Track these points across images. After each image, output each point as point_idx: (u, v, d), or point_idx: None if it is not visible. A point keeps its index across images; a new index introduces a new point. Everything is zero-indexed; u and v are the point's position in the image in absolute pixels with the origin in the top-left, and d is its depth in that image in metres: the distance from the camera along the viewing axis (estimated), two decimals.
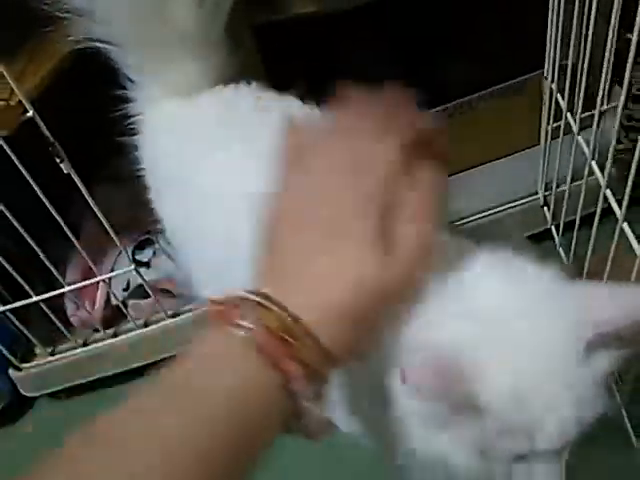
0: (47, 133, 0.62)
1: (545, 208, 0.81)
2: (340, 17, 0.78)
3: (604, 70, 0.62)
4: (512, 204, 0.82)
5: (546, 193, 0.81)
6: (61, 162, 0.64)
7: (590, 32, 0.62)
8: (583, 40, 0.63)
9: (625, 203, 0.59)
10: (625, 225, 0.60)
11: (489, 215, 0.83)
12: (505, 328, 0.37)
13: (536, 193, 0.82)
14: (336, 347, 0.34)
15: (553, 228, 0.80)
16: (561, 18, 0.65)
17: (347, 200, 0.36)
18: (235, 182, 0.52)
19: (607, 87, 0.66)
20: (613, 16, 0.56)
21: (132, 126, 0.61)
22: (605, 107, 0.67)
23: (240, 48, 0.59)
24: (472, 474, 0.39)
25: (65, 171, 0.66)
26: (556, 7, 0.66)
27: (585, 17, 0.62)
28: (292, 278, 0.36)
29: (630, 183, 0.57)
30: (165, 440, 0.30)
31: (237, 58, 0.58)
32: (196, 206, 0.56)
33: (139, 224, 0.91)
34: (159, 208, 0.64)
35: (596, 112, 0.65)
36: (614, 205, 0.63)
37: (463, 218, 0.83)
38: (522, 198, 0.82)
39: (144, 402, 0.32)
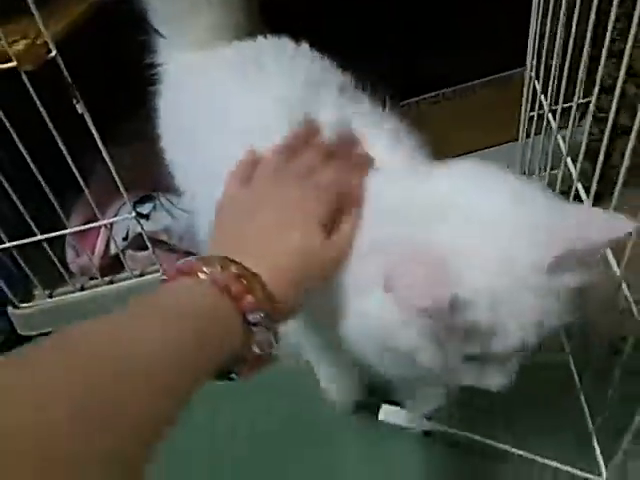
0: (66, 73, 0.67)
1: None
2: None
3: (581, 67, 0.68)
4: None
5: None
6: (77, 103, 0.69)
7: (556, 31, 0.68)
8: (560, 39, 0.69)
9: (593, 191, 0.64)
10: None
11: None
12: (481, 232, 0.40)
13: None
14: (280, 296, 0.42)
15: None
16: (540, 17, 0.71)
17: (296, 199, 0.47)
18: (252, 126, 0.55)
19: (583, 82, 0.71)
20: (591, 21, 0.62)
21: (154, 76, 0.66)
22: (581, 100, 0.73)
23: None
24: (433, 371, 0.43)
25: (80, 111, 0.71)
26: (536, 7, 0.72)
27: (562, 18, 0.68)
28: (248, 248, 0.44)
29: (598, 171, 0.63)
30: (131, 344, 0.32)
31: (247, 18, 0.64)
32: (209, 151, 0.60)
33: (141, 183, 0.97)
34: (171, 156, 0.68)
35: (574, 104, 0.71)
36: (582, 193, 0.69)
37: None
38: None
39: (114, 316, 0.35)
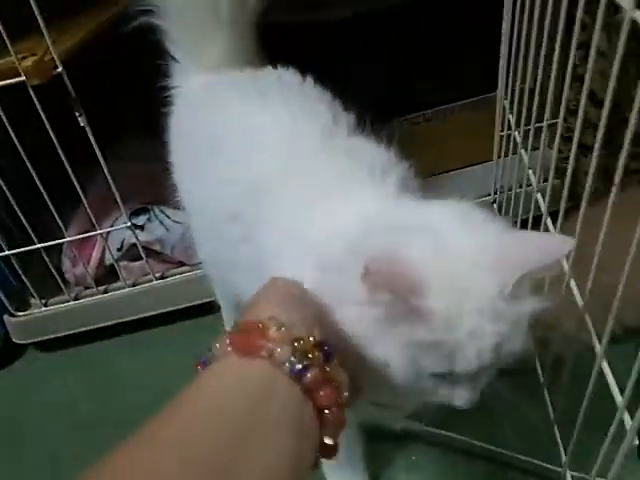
0: (70, 87, 0.72)
1: (494, 205, 0.92)
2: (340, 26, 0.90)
3: (549, 92, 0.73)
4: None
5: (496, 196, 0.92)
6: (80, 116, 0.74)
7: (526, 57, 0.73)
8: (531, 67, 0.75)
9: (563, 206, 0.68)
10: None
11: None
12: (451, 254, 0.43)
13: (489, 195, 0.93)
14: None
15: None
16: (513, 47, 0.77)
17: None
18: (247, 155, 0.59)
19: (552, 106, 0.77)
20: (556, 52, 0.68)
21: (162, 96, 0.72)
22: (550, 121, 0.79)
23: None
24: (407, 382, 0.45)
25: (82, 124, 0.75)
26: (507, 39, 0.78)
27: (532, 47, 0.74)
28: None
29: (566, 189, 0.67)
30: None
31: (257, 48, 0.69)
32: (208, 174, 0.63)
33: (136, 196, 1.01)
34: (177, 173, 0.73)
35: (544, 125, 0.76)
36: (543, 208, 0.73)
37: None
38: (478, 197, 0.94)
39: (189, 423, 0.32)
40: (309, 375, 0.36)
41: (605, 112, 0.55)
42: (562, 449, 0.65)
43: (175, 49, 0.72)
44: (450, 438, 0.78)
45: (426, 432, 0.79)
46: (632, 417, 0.47)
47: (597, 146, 0.57)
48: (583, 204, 0.60)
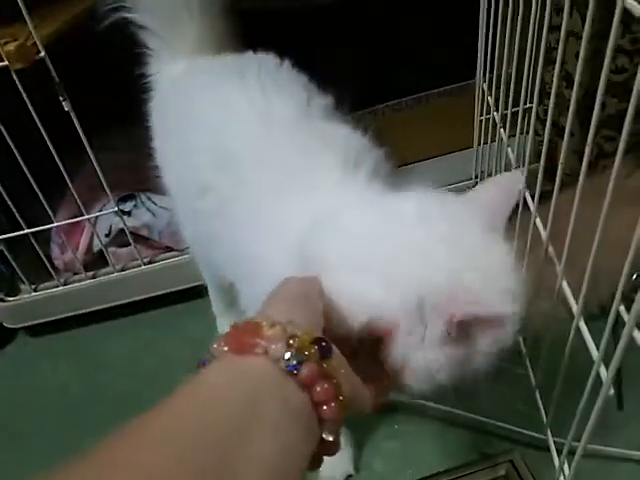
0: (54, 72, 0.73)
1: None
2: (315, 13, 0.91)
3: (524, 76, 0.75)
4: (449, 186, 0.96)
5: (477, 180, 0.94)
6: (64, 100, 0.75)
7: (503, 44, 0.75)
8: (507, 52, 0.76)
9: (537, 194, 0.70)
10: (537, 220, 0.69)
11: None
12: (482, 262, 0.46)
13: (471, 179, 0.95)
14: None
15: None
16: (486, 30, 0.79)
17: None
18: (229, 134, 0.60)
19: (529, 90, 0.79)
20: (530, 31, 0.70)
21: (144, 84, 0.74)
22: (527, 105, 0.81)
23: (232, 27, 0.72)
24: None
25: (66, 109, 0.76)
26: (484, 23, 0.80)
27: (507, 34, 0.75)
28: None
29: (541, 171, 0.69)
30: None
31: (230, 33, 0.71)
32: (186, 158, 0.66)
33: (123, 183, 1.02)
34: (159, 157, 0.75)
35: (520, 109, 0.78)
36: (528, 198, 0.75)
37: None
38: (460, 182, 0.96)
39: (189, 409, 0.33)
40: (305, 370, 0.36)
41: (574, 94, 0.56)
42: (544, 413, 0.68)
43: (149, 39, 0.74)
44: (432, 407, 0.80)
45: (408, 401, 0.81)
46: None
47: (568, 127, 0.59)
48: (557, 186, 0.62)
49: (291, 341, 0.36)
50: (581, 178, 0.54)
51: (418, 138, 1.00)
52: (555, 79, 0.61)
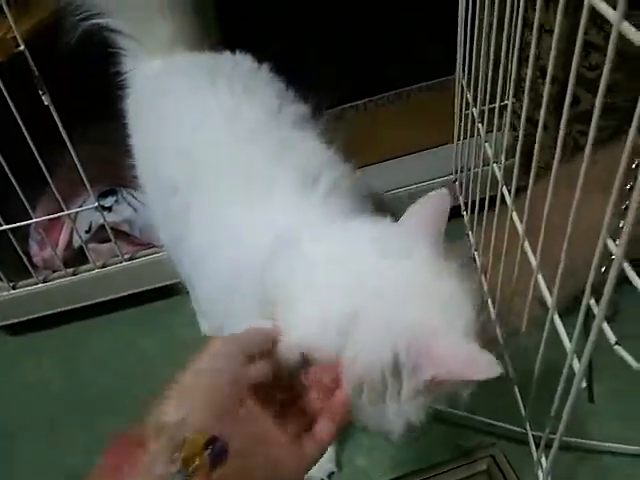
0: (33, 66, 0.73)
1: (457, 184, 0.95)
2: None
3: (500, 73, 0.76)
4: (430, 181, 0.97)
5: (457, 175, 0.95)
6: (43, 94, 0.75)
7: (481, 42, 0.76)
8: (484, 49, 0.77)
9: (513, 189, 0.71)
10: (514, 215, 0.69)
11: (408, 189, 0.99)
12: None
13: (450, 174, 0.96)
14: None
15: (462, 203, 0.94)
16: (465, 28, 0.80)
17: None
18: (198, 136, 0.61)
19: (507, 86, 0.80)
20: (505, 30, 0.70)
21: (121, 81, 0.73)
22: (503, 103, 0.82)
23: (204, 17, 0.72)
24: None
25: (45, 103, 0.76)
26: (463, 20, 0.80)
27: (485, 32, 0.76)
28: None
29: (517, 164, 0.70)
30: None
31: (201, 26, 0.71)
32: (158, 156, 0.66)
33: (104, 179, 1.02)
34: (135, 154, 0.75)
35: (496, 105, 0.79)
36: (505, 193, 0.76)
37: (388, 190, 0.97)
38: (440, 177, 0.97)
39: None
40: None
41: (547, 89, 0.57)
42: (522, 407, 0.68)
43: (123, 41, 0.74)
44: None
45: None
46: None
47: (541, 122, 0.59)
48: (531, 179, 0.63)
49: (177, 454, 0.34)
50: (554, 170, 0.55)
51: (399, 133, 1.01)
52: (529, 75, 0.62)
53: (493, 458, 0.74)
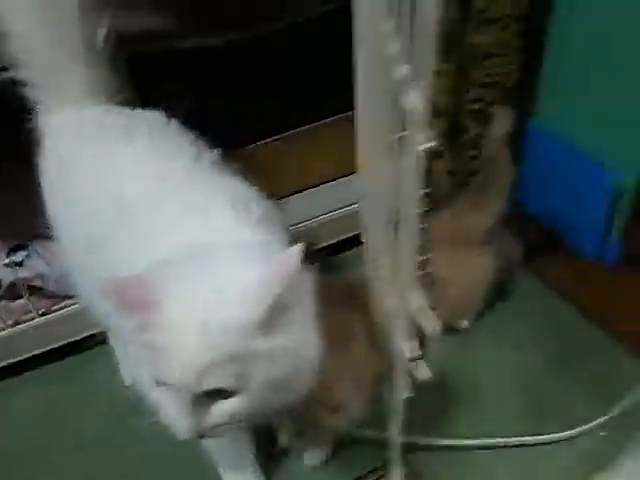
0: None
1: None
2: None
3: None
4: (338, 211, 1.04)
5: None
6: None
7: None
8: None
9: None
10: None
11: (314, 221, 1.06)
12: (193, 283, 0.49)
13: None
14: None
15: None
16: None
17: None
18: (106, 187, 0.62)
19: None
20: None
21: (34, 133, 0.73)
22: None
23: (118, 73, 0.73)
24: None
25: None
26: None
27: None
28: None
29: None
30: None
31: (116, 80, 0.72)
32: (72, 211, 0.67)
33: (13, 233, 0.98)
34: (49, 208, 0.73)
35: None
36: None
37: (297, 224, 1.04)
38: (345, 207, 1.04)
39: None
40: None
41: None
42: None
43: (33, 91, 0.73)
44: None
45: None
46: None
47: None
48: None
49: None
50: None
51: (308, 166, 1.07)
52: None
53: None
